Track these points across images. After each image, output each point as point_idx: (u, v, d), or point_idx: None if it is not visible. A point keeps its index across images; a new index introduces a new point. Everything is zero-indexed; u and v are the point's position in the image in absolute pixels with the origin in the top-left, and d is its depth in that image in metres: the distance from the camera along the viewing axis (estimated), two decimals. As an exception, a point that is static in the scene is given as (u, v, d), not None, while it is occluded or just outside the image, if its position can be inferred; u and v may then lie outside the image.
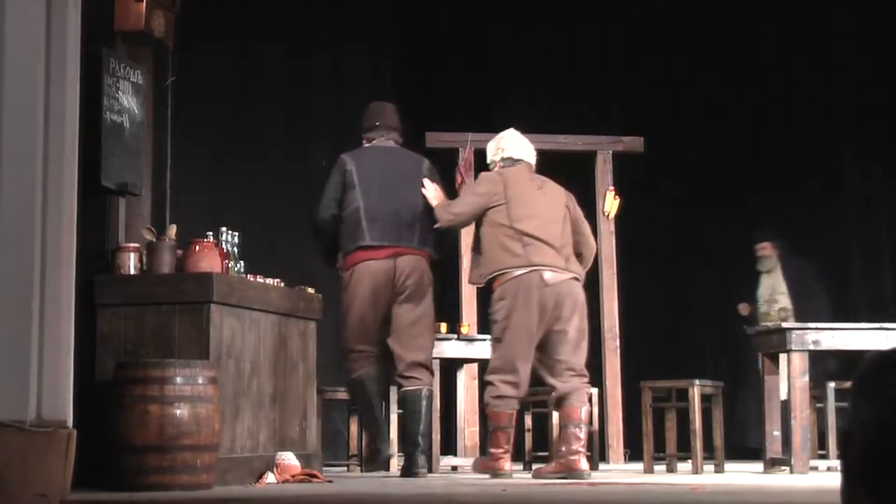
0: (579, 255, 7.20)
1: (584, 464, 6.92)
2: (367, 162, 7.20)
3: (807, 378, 7.52)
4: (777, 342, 7.68)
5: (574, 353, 7.01)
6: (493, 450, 7.07)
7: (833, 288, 10.48)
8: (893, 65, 10.49)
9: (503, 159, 7.29)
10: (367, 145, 7.34)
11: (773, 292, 9.90)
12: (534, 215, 7.03)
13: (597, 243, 9.69)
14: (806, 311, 9.57)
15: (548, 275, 6.93)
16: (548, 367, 7.05)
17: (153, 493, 5.47)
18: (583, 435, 6.97)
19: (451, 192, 9.39)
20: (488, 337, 7.65)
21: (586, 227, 7.32)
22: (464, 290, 9.38)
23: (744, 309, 9.92)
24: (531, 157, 7.33)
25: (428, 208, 7.16)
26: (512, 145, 7.31)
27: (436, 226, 7.15)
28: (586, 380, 7.10)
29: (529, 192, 7.11)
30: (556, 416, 7.56)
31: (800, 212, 10.68)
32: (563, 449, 6.98)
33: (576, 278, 7.03)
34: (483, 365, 8.76)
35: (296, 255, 8.77)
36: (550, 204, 7.12)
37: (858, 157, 10.80)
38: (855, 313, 9.93)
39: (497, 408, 6.99)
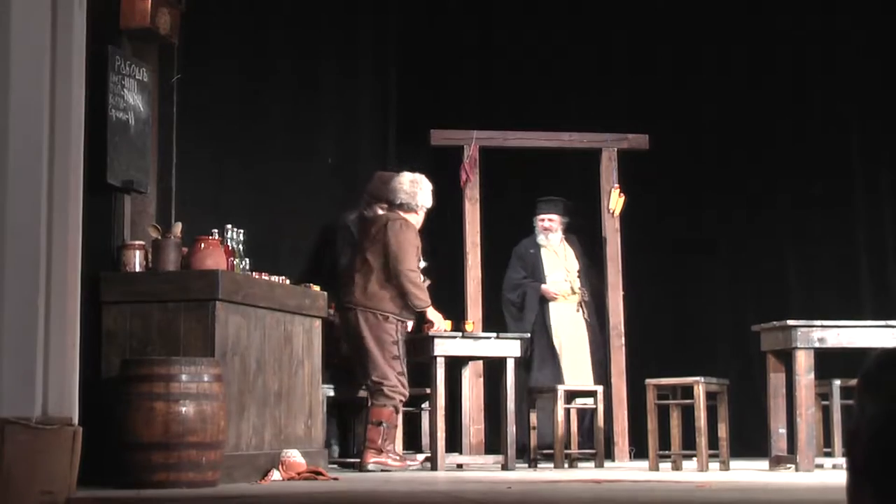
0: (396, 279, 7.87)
1: (370, 458, 7.64)
2: None
3: (812, 375, 7.50)
4: (782, 339, 7.67)
5: (371, 366, 7.78)
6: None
7: (840, 285, 10.47)
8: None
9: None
10: None
11: (564, 270, 9.73)
12: (357, 259, 7.97)
13: (602, 241, 9.77)
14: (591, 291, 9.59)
15: (346, 308, 7.92)
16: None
17: (159, 490, 5.48)
18: (374, 433, 7.72)
19: (456, 190, 9.43)
20: (493, 335, 8.25)
21: (393, 247, 7.86)
22: (468, 288, 9.37)
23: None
24: (404, 198, 7.98)
25: None
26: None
27: None
28: (384, 387, 7.75)
29: (362, 238, 8.06)
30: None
31: (806, 209, 10.65)
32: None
33: (352, 307, 7.87)
34: (488, 362, 8.77)
35: (301, 252, 8.78)
36: (368, 242, 7.95)
37: (865, 154, 10.76)
38: (861, 310, 9.90)
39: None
